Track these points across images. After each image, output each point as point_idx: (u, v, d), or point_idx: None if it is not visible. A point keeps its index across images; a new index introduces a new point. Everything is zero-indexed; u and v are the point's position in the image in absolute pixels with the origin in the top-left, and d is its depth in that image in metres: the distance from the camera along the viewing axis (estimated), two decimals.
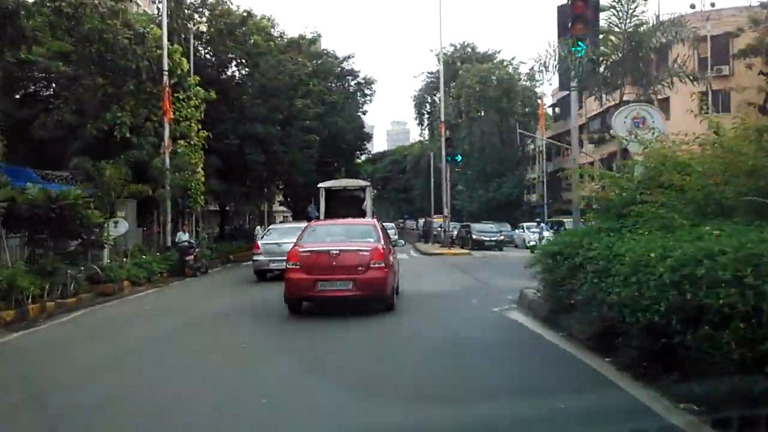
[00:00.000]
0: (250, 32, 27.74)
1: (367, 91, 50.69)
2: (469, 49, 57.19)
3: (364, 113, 51.52)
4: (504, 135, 52.33)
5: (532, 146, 57.99)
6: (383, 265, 10.07)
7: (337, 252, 10.13)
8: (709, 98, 38.34)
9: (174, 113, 21.51)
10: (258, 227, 26.91)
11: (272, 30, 31.23)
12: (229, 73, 28.84)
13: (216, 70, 28.06)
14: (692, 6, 35.29)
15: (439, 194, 44.97)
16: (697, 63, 37.54)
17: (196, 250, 20.02)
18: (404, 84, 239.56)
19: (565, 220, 39.59)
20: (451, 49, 56.15)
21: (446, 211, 30.76)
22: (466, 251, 28.71)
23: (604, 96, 46.90)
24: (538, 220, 35.25)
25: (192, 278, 18.90)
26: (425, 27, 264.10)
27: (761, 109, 34.05)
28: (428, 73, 58.10)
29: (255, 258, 17.04)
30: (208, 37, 27.03)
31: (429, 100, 58.79)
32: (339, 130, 46.42)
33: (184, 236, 20.21)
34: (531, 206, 57.52)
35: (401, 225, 64.48)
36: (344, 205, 19.67)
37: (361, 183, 24.07)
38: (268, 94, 27.59)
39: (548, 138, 52.10)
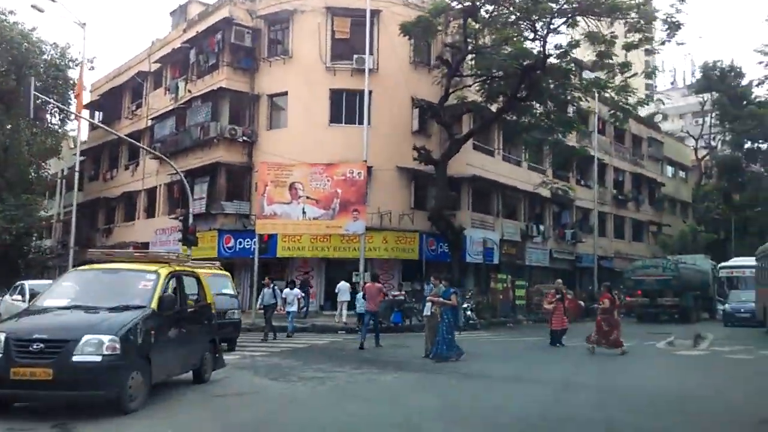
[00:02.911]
0: None
1: None
2: None
3: None
4: (10, 133, 32.19)
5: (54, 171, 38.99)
6: None
7: None
8: (344, 101, 28.23)
9: None
10: None
11: None
12: None
13: None
14: None
15: None
16: (329, 48, 27.23)
17: None
18: None
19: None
20: None
21: None
22: None
23: (182, 86, 32.82)
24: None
25: None
26: None
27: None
28: None
29: None
30: None
31: None
32: None
33: None
34: (43, 253, 38.63)
35: None
36: None
37: None
38: None
39: (82, 155, 33.53)
